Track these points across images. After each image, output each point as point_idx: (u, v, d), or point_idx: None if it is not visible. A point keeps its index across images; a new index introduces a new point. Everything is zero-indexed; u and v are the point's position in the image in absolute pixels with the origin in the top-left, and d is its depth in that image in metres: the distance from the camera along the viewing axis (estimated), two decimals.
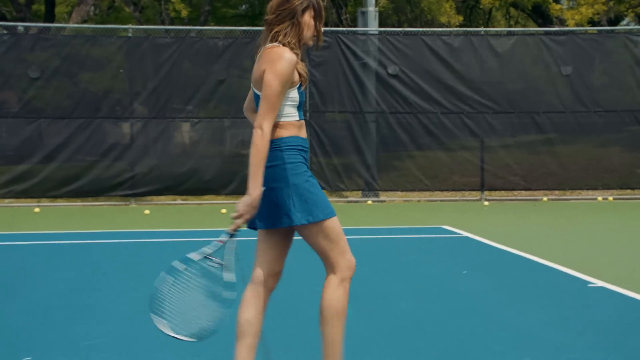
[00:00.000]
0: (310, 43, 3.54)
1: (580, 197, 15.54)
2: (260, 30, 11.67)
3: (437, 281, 6.75)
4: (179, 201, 15.25)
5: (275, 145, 3.44)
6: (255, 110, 3.57)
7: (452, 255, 8.21)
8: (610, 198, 15.23)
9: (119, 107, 14.97)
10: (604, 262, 7.74)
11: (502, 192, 15.54)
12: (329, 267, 3.53)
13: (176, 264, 3.32)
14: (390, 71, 15.16)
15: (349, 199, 15.21)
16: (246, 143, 14.47)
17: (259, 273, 3.56)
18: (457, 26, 21.18)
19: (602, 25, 21.67)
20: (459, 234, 10.13)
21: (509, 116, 15.22)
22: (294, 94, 3.48)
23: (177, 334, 3.28)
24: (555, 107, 15.22)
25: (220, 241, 3.42)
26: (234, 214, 3.38)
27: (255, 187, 3.34)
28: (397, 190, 15.69)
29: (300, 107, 3.52)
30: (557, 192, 15.62)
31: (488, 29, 15.93)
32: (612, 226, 11.37)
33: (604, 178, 15.42)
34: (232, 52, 14.90)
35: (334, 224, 3.50)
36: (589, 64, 15.33)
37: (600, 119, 15.29)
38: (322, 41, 3.55)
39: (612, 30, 16.24)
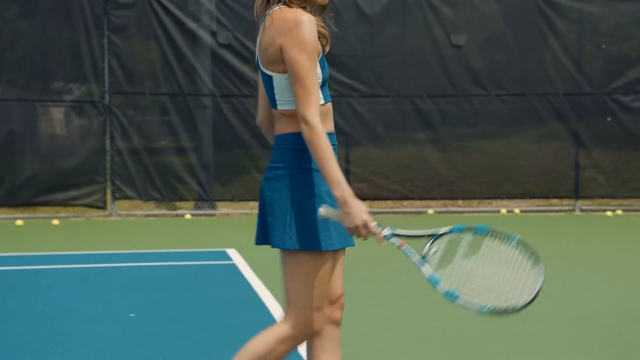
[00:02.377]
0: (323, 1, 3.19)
1: (478, 209, 13.92)
2: None
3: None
4: None
5: (282, 142, 3.17)
6: (269, 111, 3.32)
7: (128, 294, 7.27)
8: (517, 210, 13.62)
9: None
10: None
11: (375, 202, 13.63)
12: (287, 311, 3.28)
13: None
14: (221, 40, 13.18)
15: (178, 211, 13.36)
16: (16, 134, 12.82)
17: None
18: None
19: None
20: (229, 262, 9.02)
21: (382, 101, 13.49)
22: (318, 68, 3.12)
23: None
24: (444, 89, 13.57)
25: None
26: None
27: (343, 189, 3.01)
28: (233, 201, 13.54)
29: (324, 84, 3.16)
30: (448, 202, 13.84)
31: None
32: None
33: (509, 185, 13.85)
34: None
35: (326, 259, 3.20)
36: (489, 32, 13.77)
37: (503, 105, 13.67)
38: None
39: None
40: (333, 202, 3.09)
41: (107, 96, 12.90)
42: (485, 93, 13.50)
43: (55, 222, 12.14)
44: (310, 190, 3.13)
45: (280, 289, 3.38)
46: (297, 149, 3.13)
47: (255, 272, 8.26)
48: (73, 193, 12.82)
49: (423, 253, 3.08)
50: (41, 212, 12.94)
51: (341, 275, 3.31)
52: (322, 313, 3.22)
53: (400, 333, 5.87)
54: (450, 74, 13.51)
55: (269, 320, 6.17)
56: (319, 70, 3.14)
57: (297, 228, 3.13)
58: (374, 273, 8.30)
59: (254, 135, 13.14)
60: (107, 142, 12.85)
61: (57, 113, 12.90)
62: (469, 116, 13.60)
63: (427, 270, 3.06)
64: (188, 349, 5.41)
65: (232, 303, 6.91)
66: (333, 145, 3.14)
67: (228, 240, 10.59)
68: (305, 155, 3.13)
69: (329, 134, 3.10)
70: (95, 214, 13.00)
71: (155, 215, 13.24)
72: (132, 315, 6.33)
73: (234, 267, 8.74)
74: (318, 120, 3.04)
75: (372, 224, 3.03)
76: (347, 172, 13.43)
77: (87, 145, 12.97)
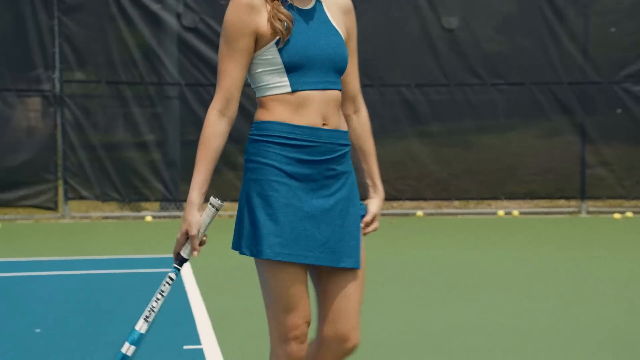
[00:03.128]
0: None
1: (473, 210, 13.33)
2: None
3: None
4: None
5: (251, 133, 3.16)
6: None
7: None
8: (516, 212, 13.03)
9: None
10: None
11: None
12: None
13: None
14: (186, 23, 12.49)
15: (142, 213, 12.75)
16: None
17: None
18: None
19: None
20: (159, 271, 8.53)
21: (365, 91, 11.86)
22: (271, 53, 3.07)
23: None
24: (434, 78, 13.03)
25: None
26: None
27: (190, 193, 3.10)
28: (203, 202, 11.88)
29: (292, 71, 3.06)
30: (442, 203, 13.37)
31: None
32: (509, 255, 9.47)
33: (510, 184, 13.32)
34: None
35: (275, 272, 3.08)
36: (485, 13, 13.27)
37: (501, 95, 13.10)
38: None
39: None
40: (278, 203, 3.05)
41: (57, 85, 12.27)
42: (480, 82, 12.97)
43: None
44: (259, 188, 3.07)
45: (217, 303, 3.27)
46: (252, 139, 3.12)
47: (198, 283, 7.81)
48: (20, 192, 12.18)
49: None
50: None
51: (301, 302, 3.11)
52: (276, 332, 3.15)
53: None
54: (441, 61, 12.99)
55: (191, 335, 5.96)
56: (275, 55, 3.07)
57: (245, 229, 3.09)
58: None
59: None
60: (59, 136, 12.24)
61: (1, 103, 12.20)
62: (462, 108, 13.05)
63: (139, 325, 3.17)
64: None
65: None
66: (293, 141, 3.04)
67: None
68: (259, 147, 3.08)
69: (295, 128, 3.03)
70: (46, 216, 12.33)
71: (115, 218, 12.60)
72: (37, 330, 6.12)
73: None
74: (213, 111, 3.10)
75: (192, 234, 3.04)
76: None
77: (35, 139, 12.35)
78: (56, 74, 12.17)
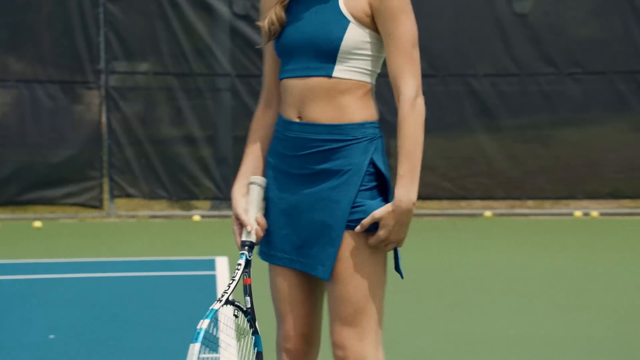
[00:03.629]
0: None
1: (547, 211, 13.04)
2: None
3: None
4: None
5: None
6: None
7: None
8: (595, 213, 12.65)
9: None
10: None
11: (425, 202, 12.87)
12: None
13: None
14: (237, 10, 12.50)
15: (193, 212, 12.64)
16: None
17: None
18: None
19: None
20: (210, 272, 8.68)
21: (429, 82, 12.52)
22: (273, 45, 3.17)
23: None
24: (504, 67, 12.82)
25: None
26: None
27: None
28: None
29: (282, 60, 3.09)
30: (515, 203, 13.11)
31: None
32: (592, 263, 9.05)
33: (585, 182, 13.12)
34: None
35: (269, 272, 3.20)
36: None
37: (578, 86, 12.85)
38: None
39: None
40: (268, 196, 3.12)
41: (103, 76, 12.22)
42: (555, 71, 12.71)
43: (37, 224, 11.41)
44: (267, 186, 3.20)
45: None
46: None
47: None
48: (64, 190, 12.11)
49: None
50: (31, 212, 12.19)
51: (291, 310, 3.10)
52: (276, 337, 3.22)
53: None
54: (512, 49, 12.77)
55: None
56: (273, 46, 3.16)
57: None
58: None
59: None
60: (104, 130, 12.15)
61: (44, 96, 12.19)
62: (535, 100, 12.84)
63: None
64: None
65: (175, 321, 6.69)
66: (281, 135, 3.06)
67: (230, 247, 9.57)
68: (272, 143, 3.20)
69: (281, 119, 3.07)
70: (91, 215, 12.21)
71: (164, 217, 12.46)
72: (51, 336, 6.11)
73: (210, 279, 8.38)
74: (259, 102, 3.21)
75: (243, 217, 3.08)
76: (389, 167, 12.44)
77: (80, 134, 12.25)
78: (101, 65, 12.16)
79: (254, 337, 3.14)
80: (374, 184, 3.01)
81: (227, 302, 3.11)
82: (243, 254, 3.11)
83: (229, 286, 3.11)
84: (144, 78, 12.63)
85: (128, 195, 12.20)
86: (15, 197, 11.98)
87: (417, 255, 9.89)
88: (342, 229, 2.98)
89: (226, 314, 3.11)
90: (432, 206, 12.92)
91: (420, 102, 3.05)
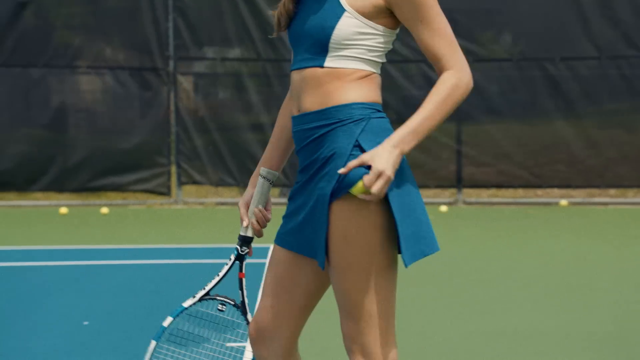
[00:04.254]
0: None
1: (630, 200, 12.78)
2: None
3: None
4: None
5: None
6: None
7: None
8: None
9: None
10: None
11: (500, 190, 12.97)
12: None
13: None
14: None
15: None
16: (68, 107, 12.46)
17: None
18: None
19: None
20: (262, 260, 8.24)
21: (502, 66, 12.76)
22: None
23: None
24: (583, 50, 12.62)
25: None
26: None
27: None
28: None
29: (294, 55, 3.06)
30: (595, 191, 12.93)
31: None
32: None
33: None
34: None
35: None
36: None
37: None
38: None
39: None
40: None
41: (171, 62, 12.33)
42: (637, 54, 12.49)
43: (104, 210, 11.56)
44: None
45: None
46: None
47: None
48: (132, 177, 12.28)
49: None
50: (105, 199, 12.41)
51: (266, 294, 3.02)
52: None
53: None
54: (591, 30, 12.48)
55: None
56: None
57: None
58: None
59: None
60: (172, 117, 12.24)
61: (113, 82, 12.38)
62: (616, 84, 12.56)
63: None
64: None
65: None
66: (292, 131, 2.98)
67: None
68: None
69: (291, 117, 3.03)
70: (158, 202, 12.33)
71: (231, 204, 12.51)
72: (85, 323, 6.12)
73: (260, 267, 8.27)
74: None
75: (242, 210, 3.11)
76: (458, 154, 12.68)
77: (148, 121, 12.38)
78: (169, 51, 12.25)
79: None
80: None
81: (205, 298, 3.06)
82: (236, 248, 3.10)
83: (211, 281, 3.11)
84: (212, 64, 12.67)
85: (195, 182, 12.32)
86: (86, 183, 12.20)
87: (487, 244, 9.77)
88: (326, 214, 2.82)
89: (211, 308, 3.02)
90: (506, 195, 12.77)
91: (467, 78, 2.83)
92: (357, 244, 2.80)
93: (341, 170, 2.74)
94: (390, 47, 2.91)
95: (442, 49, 2.88)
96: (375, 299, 2.86)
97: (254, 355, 3.07)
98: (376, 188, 2.67)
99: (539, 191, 12.89)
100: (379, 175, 2.67)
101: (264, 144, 12.63)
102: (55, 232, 10.31)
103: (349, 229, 2.77)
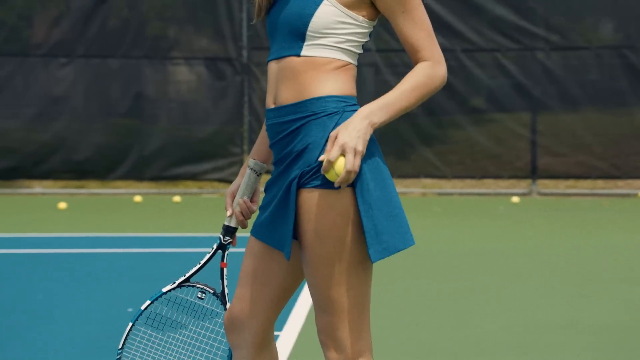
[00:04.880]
0: None
1: None
2: None
3: None
4: (38, 189, 13.16)
5: None
6: None
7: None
8: None
9: None
10: None
11: (579, 181, 12.76)
12: None
13: None
14: None
15: None
16: (145, 98, 12.74)
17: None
18: None
19: None
20: None
21: (580, 55, 12.46)
22: None
23: None
24: None
25: None
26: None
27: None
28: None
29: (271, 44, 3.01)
30: None
31: None
32: None
33: None
34: None
35: None
36: None
37: None
38: None
39: None
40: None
41: (245, 53, 12.37)
42: None
43: (177, 199, 11.74)
44: None
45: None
46: None
47: None
48: (205, 166, 12.39)
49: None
50: (182, 187, 12.58)
51: (240, 285, 2.99)
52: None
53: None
54: None
55: (279, 320, 5.90)
56: None
57: None
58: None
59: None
60: (245, 106, 12.29)
61: (188, 73, 12.54)
62: None
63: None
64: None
65: None
66: (267, 124, 2.95)
67: None
68: None
69: (266, 110, 3.00)
70: None
71: None
72: (129, 310, 6.15)
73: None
74: None
75: (227, 199, 3.09)
76: (532, 144, 12.47)
77: (222, 110, 12.46)
78: (243, 42, 12.28)
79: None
80: None
81: (185, 284, 3.09)
82: (219, 237, 3.10)
83: (192, 269, 3.12)
84: None
85: (267, 172, 12.28)
86: (161, 172, 12.41)
87: (558, 234, 9.62)
88: (294, 201, 2.79)
89: (190, 295, 3.04)
90: (585, 185, 12.55)
91: (443, 71, 2.82)
92: (330, 239, 2.77)
93: (322, 157, 2.68)
94: (368, 39, 2.89)
95: (422, 40, 2.86)
96: (348, 293, 2.83)
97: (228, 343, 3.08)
98: (349, 164, 2.61)
99: (620, 182, 12.64)
100: (341, 146, 2.62)
101: None
102: (128, 220, 10.49)
103: (322, 223, 2.74)
